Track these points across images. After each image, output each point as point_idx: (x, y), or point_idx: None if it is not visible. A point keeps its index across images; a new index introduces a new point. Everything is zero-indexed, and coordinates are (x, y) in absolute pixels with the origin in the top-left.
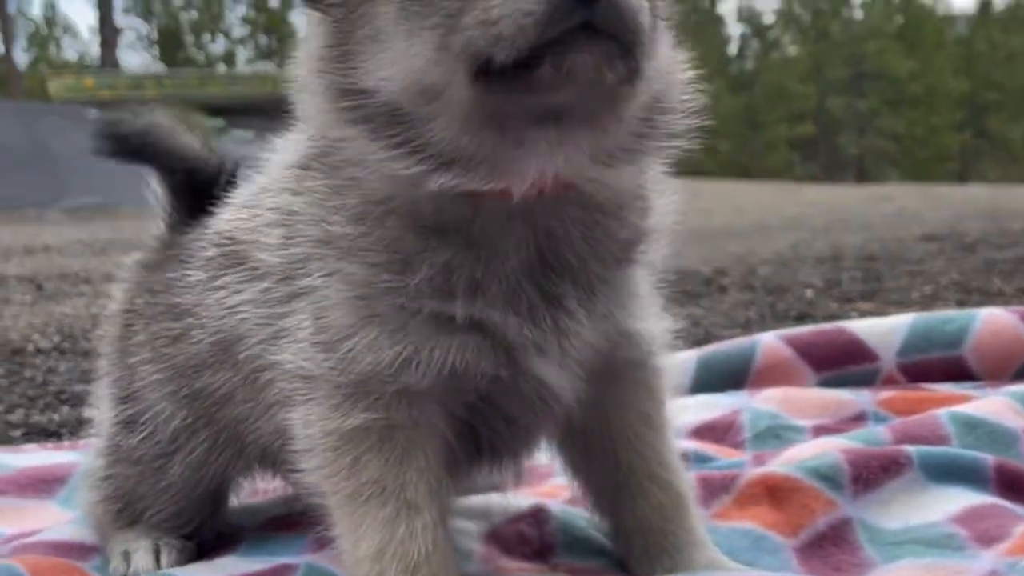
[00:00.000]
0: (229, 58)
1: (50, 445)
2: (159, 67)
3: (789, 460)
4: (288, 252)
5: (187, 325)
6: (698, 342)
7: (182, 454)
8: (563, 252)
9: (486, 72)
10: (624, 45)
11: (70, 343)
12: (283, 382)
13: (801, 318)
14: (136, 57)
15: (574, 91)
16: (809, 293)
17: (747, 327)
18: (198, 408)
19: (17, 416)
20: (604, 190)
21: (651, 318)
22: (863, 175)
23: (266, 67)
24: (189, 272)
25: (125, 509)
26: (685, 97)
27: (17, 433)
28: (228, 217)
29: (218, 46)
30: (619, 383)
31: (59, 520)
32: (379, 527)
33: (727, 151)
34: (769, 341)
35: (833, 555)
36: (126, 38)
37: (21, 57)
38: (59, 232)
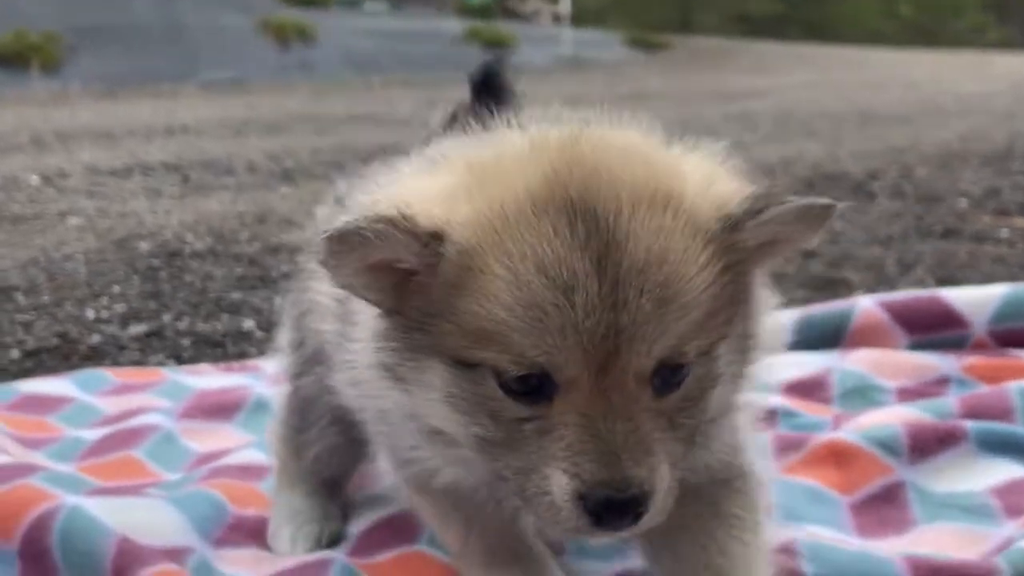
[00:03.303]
0: None
1: (222, 366)
2: None
3: (859, 427)
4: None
5: None
6: (833, 261)
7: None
8: None
9: None
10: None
11: (223, 246)
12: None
13: (947, 235)
14: None
15: None
16: (963, 203)
17: (888, 244)
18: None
19: (184, 324)
20: None
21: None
22: None
23: None
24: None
25: (295, 449)
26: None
27: (186, 342)
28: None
29: None
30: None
31: (239, 443)
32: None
33: (908, 15)
34: (866, 305)
35: (882, 510)
36: None
37: None
38: (195, 109)
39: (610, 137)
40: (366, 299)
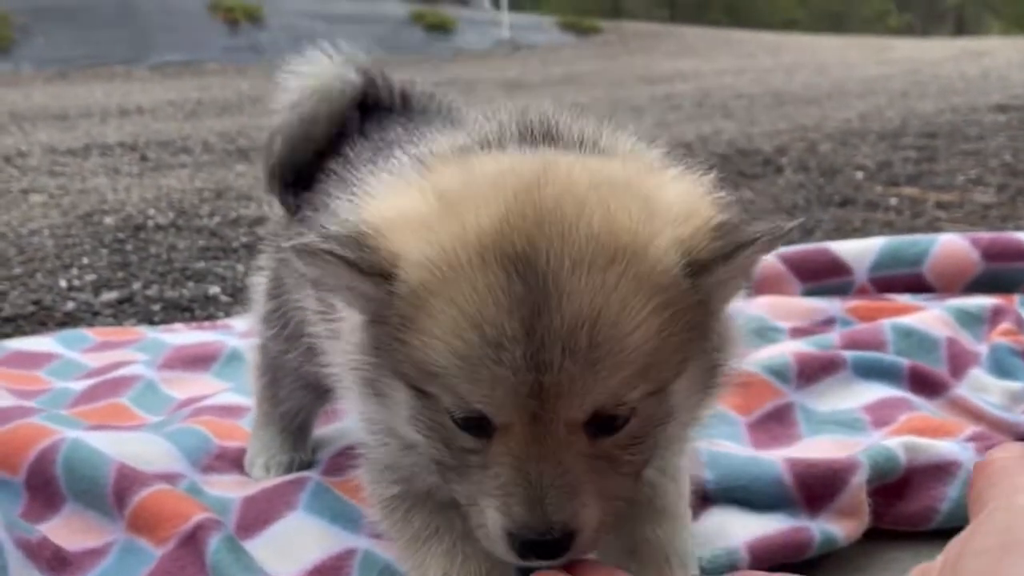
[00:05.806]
0: None
1: (194, 325)
2: None
3: (755, 359)
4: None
5: None
6: None
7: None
8: None
9: None
10: None
11: (184, 220)
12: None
13: (844, 204)
14: None
15: None
16: (859, 176)
17: (792, 212)
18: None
19: (153, 291)
20: None
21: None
22: (962, 27)
23: None
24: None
25: (269, 398)
26: None
27: (157, 307)
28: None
29: None
30: None
31: (217, 389)
32: (441, 557)
33: (819, 2)
34: (765, 257)
35: (774, 428)
36: None
37: None
38: (148, 91)
39: (582, 172)
40: (347, 303)
